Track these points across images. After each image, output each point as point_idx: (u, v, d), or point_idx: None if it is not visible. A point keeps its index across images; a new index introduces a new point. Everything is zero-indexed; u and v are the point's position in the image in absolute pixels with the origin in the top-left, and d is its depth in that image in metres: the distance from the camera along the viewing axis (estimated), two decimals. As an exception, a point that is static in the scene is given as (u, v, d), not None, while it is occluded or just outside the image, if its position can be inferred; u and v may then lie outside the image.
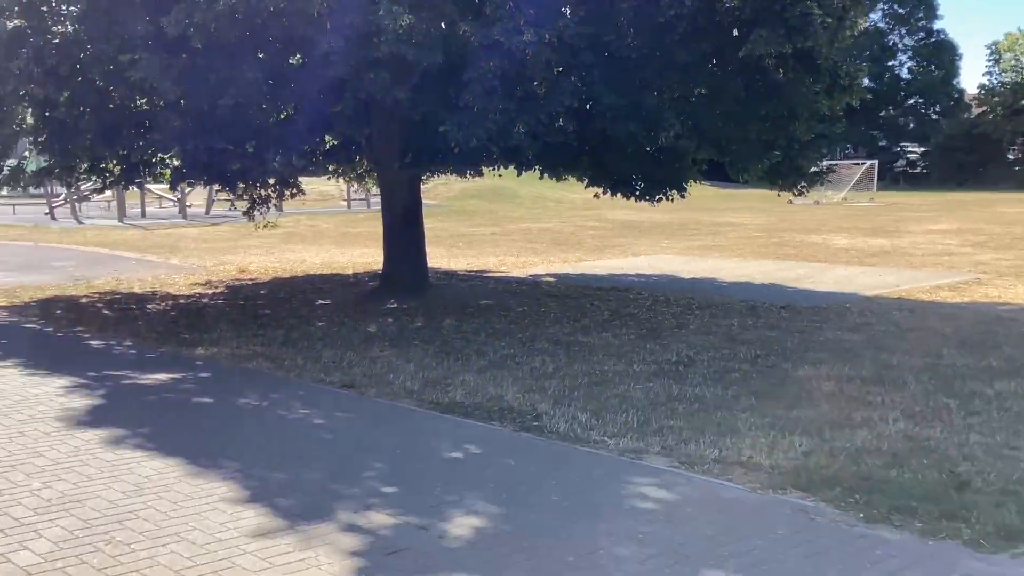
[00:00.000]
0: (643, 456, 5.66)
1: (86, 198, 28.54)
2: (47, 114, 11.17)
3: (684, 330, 10.04)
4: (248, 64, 9.96)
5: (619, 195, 12.62)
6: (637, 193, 12.31)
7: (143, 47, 9.98)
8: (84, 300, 12.81)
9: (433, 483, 5.12)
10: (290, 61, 10.63)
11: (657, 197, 12.31)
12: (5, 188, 18.04)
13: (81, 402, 6.68)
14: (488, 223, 28.58)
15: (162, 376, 7.69)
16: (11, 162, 13.68)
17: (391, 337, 9.70)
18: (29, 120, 11.79)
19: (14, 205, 35.11)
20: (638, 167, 11.82)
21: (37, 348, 9.08)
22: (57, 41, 10.03)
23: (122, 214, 30.93)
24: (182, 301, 12.79)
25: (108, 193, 29.59)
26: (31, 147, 11.92)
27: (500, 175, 13.65)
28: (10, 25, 9.93)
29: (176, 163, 11.82)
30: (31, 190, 26.66)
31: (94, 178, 13.02)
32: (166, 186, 22.17)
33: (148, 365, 8.21)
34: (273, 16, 9.88)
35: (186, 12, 9.60)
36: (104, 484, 4.90)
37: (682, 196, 12.58)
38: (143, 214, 32.49)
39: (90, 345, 9.29)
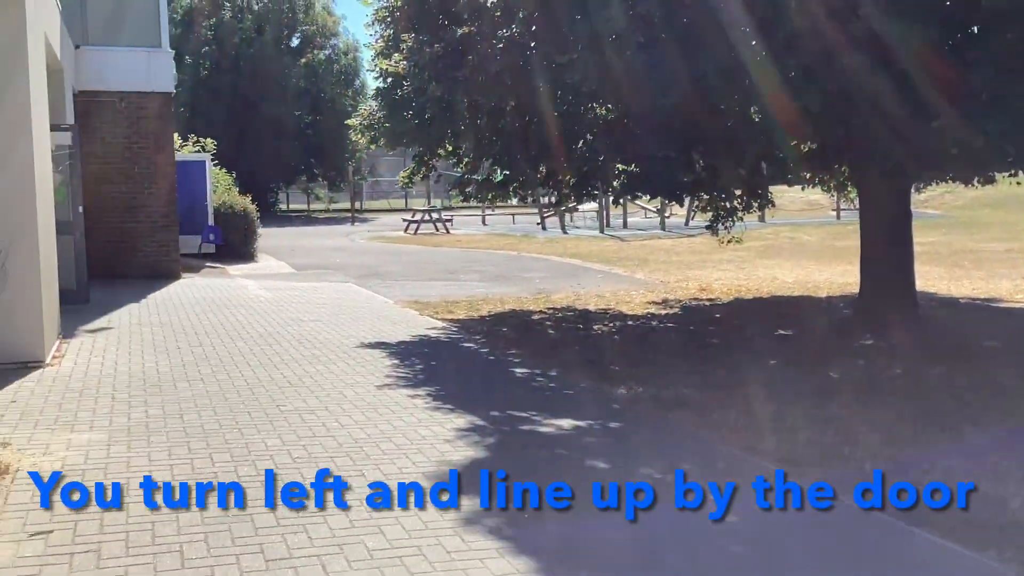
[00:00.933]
0: None
1: (573, 208, 29.43)
2: (499, 124, 10.83)
3: None
4: (696, 58, 8.59)
5: None
6: None
7: (586, 46, 9.08)
8: (536, 316, 12.41)
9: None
10: (750, 49, 9.04)
11: None
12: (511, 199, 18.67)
13: (462, 454, 5.76)
14: (1004, 238, 24.20)
15: (565, 423, 6.57)
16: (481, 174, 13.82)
17: (857, 387, 7.70)
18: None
19: (513, 215, 37.69)
20: None
21: (461, 373, 8.54)
22: (501, 46, 9.49)
23: (603, 224, 31.50)
24: (630, 323, 11.81)
25: (594, 204, 30.30)
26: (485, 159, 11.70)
27: (1020, 183, 10.72)
28: (459, 32, 9.62)
29: (621, 174, 10.82)
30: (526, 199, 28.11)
31: (548, 191, 12.59)
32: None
33: (558, 405, 7.16)
34: (726, -1, 8.40)
35: (629, 3, 8.51)
36: (423, 594, 3.78)
37: None
38: (624, 224, 32.87)
39: (513, 373, 8.57)
